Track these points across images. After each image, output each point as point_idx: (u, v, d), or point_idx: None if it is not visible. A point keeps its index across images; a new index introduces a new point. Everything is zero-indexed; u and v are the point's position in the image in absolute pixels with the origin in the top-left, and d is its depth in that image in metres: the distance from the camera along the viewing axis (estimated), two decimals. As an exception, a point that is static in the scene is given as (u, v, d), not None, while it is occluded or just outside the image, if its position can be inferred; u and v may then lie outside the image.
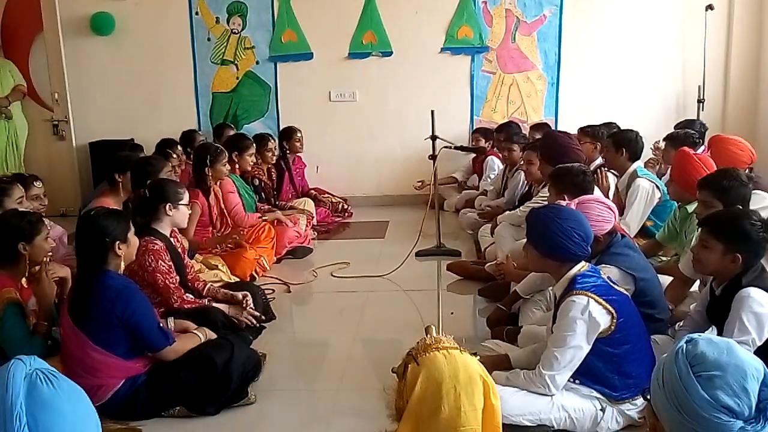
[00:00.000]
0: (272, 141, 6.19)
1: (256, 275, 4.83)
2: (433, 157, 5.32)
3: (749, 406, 1.31)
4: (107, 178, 4.54)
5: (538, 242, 2.78)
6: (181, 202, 3.67)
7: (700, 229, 2.80)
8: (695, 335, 1.41)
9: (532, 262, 2.89)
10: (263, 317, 3.93)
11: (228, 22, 7.18)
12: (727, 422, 1.30)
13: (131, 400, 2.90)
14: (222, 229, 4.92)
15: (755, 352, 2.51)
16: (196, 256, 4.42)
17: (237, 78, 7.29)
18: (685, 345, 1.39)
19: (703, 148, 4.98)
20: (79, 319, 2.82)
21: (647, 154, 5.68)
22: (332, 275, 5.02)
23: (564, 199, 3.28)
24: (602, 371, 2.67)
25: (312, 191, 6.84)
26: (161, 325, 3.01)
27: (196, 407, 2.99)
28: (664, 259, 4.05)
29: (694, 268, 2.92)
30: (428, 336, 1.90)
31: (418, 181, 6.82)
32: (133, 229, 3.01)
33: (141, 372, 2.95)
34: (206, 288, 3.83)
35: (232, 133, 6.43)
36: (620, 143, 4.63)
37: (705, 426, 1.31)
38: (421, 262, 5.22)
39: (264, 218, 5.35)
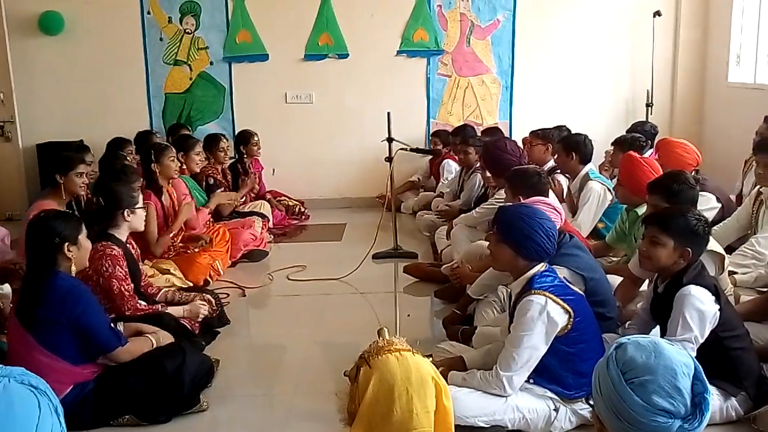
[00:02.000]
0: (224, 140, 6.11)
1: (210, 280, 4.74)
2: (389, 159, 5.33)
3: (684, 404, 1.34)
4: (49, 179, 4.42)
5: (516, 241, 2.73)
6: (136, 206, 3.60)
7: (646, 228, 2.86)
8: (623, 339, 1.44)
9: (502, 261, 2.82)
10: (216, 320, 3.89)
11: (181, 22, 7.07)
12: (665, 423, 1.33)
13: (79, 407, 2.82)
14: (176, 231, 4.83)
15: (699, 349, 2.60)
16: (146, 261, 4.33)
17: (190, 79, 7.18)
18: (614, 352, 1.42)
19: (650, 151, 5.12)
20: (26, 320, 2.76)
21: (601, 158, 5.80)
22: (288, 278, 4.99)
23: (519, 200, 3.33)
24: (557, 370, 2.71)
25: (268, 194, 6.78)
26: (112, 325, 2.94)
27: (146, 415, 2.93)
28: (614, 259, 4.13)
29: (641, 265, 2.98)
30: (380, 338, 1.90)
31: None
32: (84, 233, 2.94)
33: (89, 379, 2.88)
34: (159, 294, 3.77)
35: (186, 133, 6.33)
36: (570, 147, 4.74)
37: (645, 430, 1.34)
38: (378, 264, 5.23)
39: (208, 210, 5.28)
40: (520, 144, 6.09)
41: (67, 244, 2.81)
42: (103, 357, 2.91)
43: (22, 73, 6.94)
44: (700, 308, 2.63)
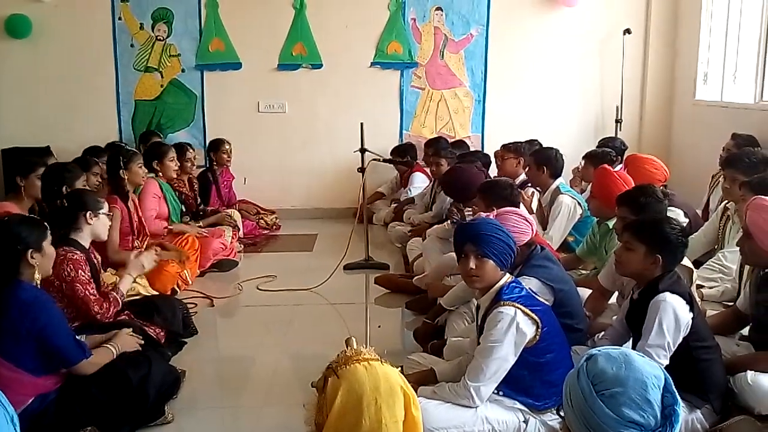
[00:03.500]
0: (191, 150, 6.05)
1: (177, 289, 4.67)
2: (362, 170, 5.32)
3: (654, 416, 1.34)
4: (13, 184, 4.34)
5: (500, 254, 2.72)
6: (101, 211, 3.52)
7: (621, 234, 2.90)
8: (594, 351, 1.44)
9: (488, 277, 2.74)
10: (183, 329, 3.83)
11: (153, 29, 7.01)
12: None
13: (39, 418, 2.74)
14: (141, 237, 4.74)
15: (672, 357, 2.62)
16: (110, 269, 4.24)
17: (161, 86, 7.12)
18: (585, 363, 1.41)
19: (620, 166, 5.18)
20: None
21: (571, 176, 5.86)
22: (258, 288, 4.93)
23: (493, 211, 3.34)
24: (526, 381, 2.70)
25: (239, 203, 6.72)
26: (77, 337, 2.86)
27: (108, 426, 2.86)
28: (584, 272, 4.16)
29: (616, 269, 3.01)
30: (349, 348, 1.87)
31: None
32: (49, 239, 2.86)
33: (51, 390, 2.81)
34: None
35: (158, 140, 6.26)
36: (541, 161, 4.78)
37: None
38: (349, 275, 5.20)
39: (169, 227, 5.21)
40: (492, 157, 6.18)
41: (30, 251, 2.73)
42: (67, 369, 2.83)
43: (-13, 78, 6.80)
44: (674, 315, 2.64)
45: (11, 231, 2.73)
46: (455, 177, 4.69)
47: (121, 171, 4.57)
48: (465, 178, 4.56)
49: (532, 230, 3.26)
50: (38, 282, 2.83)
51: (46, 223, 2.92)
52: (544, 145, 5.56)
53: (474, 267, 2.72)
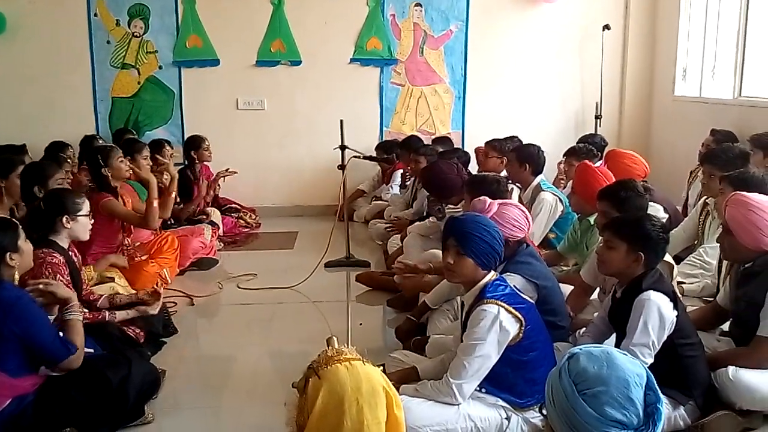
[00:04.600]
0: (168, 147, 5.94)
1: (157, 288, 4.61)
2: (342, 167, 5.29)
3: (637, 414, 1.34)
4: (24, 189, 4.14)
5: (478, 252, 2.69)
6: (80, 213, 3.45)
7: (602, 233, 2.90)
8: (575, 349, 1.43)
9: (465, 273, 2.73)
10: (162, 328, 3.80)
11: (129, 25, 6.92)
12: None
13: (17, 419, 2.70)
14: (129, 234, 4.67)
15: (656, 354, 2.62)
16: (91, 267, 4.17)
17: (139, 83, 7.03)
18: (567, 362, 1.41)
19: (600, 162, 5.20)
20: None
21: (555, 172, 5.87)
22: (239, 287, 4.90)
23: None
24: (509, 378, 2.69)
25: (221, 201, 6.66)
26: (60, 335, 2.81)
27: (88, 427, 2.82)
28: (565, 268, 4.18)
29: (598, 268, 3.01)
30: (330, 348, 1.85)
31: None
32: (23, 235, 2.82)
33: (29, 391, 2.76)
34: (101, 300, 3.63)
35: (132, 137, 6.15)
36: (523, 158, 4.76)
37: None
38: (330, 272, 5.17)
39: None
40: (473, 154, 6.18)
41: (8, 253, 2.71)
42: (56, 366, 2.80)
43: (-40, 74, 6.69)
44: (659, 313, 2.64)
45: None
46: (434, 174, 4.67)
47: (103, 169, 4.49)
48: (444, 175, 4.54)
49: (529, 227, 3.24)
50: (17, 280, 2.80)
51: (14, 220, 2.88)
52: (524, 142, 5.58)
53: (452, 262, 2.73)
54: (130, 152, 5.11)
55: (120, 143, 5.41)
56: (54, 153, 5.19)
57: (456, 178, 4.45)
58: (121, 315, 3.55)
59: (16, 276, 2.78)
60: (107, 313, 3.53)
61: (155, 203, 4.50)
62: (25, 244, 2.82)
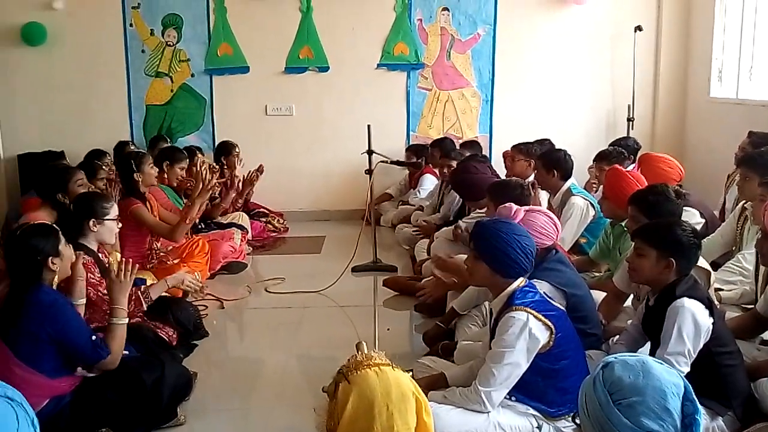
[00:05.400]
0: (200, 156, 6.05)
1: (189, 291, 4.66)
2: (369, 171, 5.29)
3: (674, 426, 1.30)
4: (47, 195, 4.17)
5: (492, 258, 2.68)
6: (107, 217, 3.49)
7: (633, 240, 2.83)
8: (610, 358, 1.39)
9: (479, 277, 2.78)
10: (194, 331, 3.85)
11: (163, 35, 7.04)
12: None
13: (55, 420, 2.76)
14: (156, 239, 4.73)
15: (693, 363, 2.55)
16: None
17: (172, 91, 7.14)
18: (601, 371, 1.37)
19: (633, 165, 5.11)
20: (5, 333, 2.71)
21: (585, 176, 5.78)
22: (267, 291, 4.92)
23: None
24: (540, 387, 2.65)
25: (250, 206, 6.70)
26: (94, 338, 2.86)
27: (123, 428, 2.87)
28: (597, 275, 4.10)
29: (630, 277, 2.95)
30: (359, 353, 1.84)
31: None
32: (63, 241, 2.89)
33: (66, 392, 2.82)
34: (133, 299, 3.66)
35: (174, 146, 6.26)
36: (550, 164, 4.64)
37: None
38: (357, 277, 5.17)
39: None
40: (501, 158, 6.13)
41: (50, 258, 2.78)
42: (93, 366, 2.87)
43: (4, 84, 6.92)
44: (694, 321, 2.56)
45: (29, 243, 2.77)
46: (466, 174, 4.63)
47: (135, 174, 4.56)
48: (477, 175, 4.50)
49: (558, 234, 3.19)
50: (56, 284, 2.87)
51: (55, 226, 2.95)
52: (553, 145, 5.51)
53: (469, 265, 2.78)
54: (170, 159, 5.21)
55: (159, 151, 5.50)
56: (91, 161, 5.26)
57: (490, 179, 4.41)
58: (158, 288, 3.65)
59: (56, 280, 2.84)
60: (143, 297, 3.54)
61: (188, 221, 4.56)
62: (66, 250, 2.90)
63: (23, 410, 1.26)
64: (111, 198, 3.95)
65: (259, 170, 6.40)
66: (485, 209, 4.27)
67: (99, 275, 3.37)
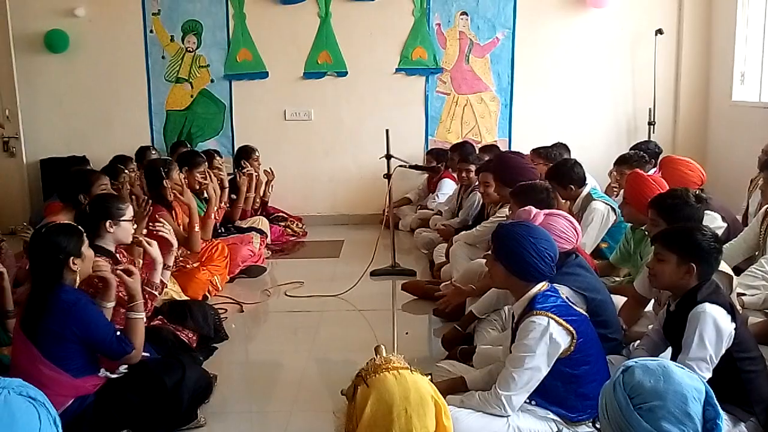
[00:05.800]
0: (218, 158, 6.12)
1: (208, 295, 4.72)
2: (388, 176, 5.30)
3: (695, 430, 1.28)
4: (69, 197, 4.19)
5: (508, 260, 2.69)
6: (123, 218, 3.51)
7: (653, 245, 2.81)
8: (630, 362, 1.38)
9: (497, 279, 2.82)
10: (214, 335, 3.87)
11: (183, 41, 7.12)
12: None
13: (78, 420, 2.79)
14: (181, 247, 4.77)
15: (715, 368, 2.52)
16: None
17: (191, 96, 7.22)
18: (622, 375, 1.36)
19: (654, 169, 5.06)
20: (31, 332, 2.75)
21: (606, 180, 5.72)
22: (286, 294, 4.94)
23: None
24: (560, 392, 2.63)
25: (268, 209, 6.74)
26: (118, 333, 2.90)
27: (144, 430, 2.89)
28: (617, 279, 4.06)
29: (650, 282, 2.92)
30: (378, 356, 1.84)
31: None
32: (86, 242, 2.92)
33: (90, 392, 2.85)
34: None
35: (193, 150, 6.32)
36: (562, 180, 4.50)
37: None
38: (375, 281, 5.18)
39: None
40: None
41: (72, 258, 2.81)
42: (118, 361, 2.91)
43: (27, 90, 7.03)
44: (715, 326, 2.53)
45: (52, 241, 2.80)
46: (506, 156, 4.62)
47: (164, 182, 4.60)
48: (516, 159, 4.54)
49: (578, 239, 3.18)
50: (77, 284, 2.89)
51: (79, 227, 2.97)
52: (570, 152, 5.47)
53: (489, 267, 2.84)
54: (189, 164, 5.24)
55: (178, 156, 5.55)
56: (115, 165, 5.32)
57: (528, 169, 4.41)
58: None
59: (77, 280, 2.86)
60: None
61: (197, 227, 4.60)
62: (88, 251, 2.91)
63: (45, 409, 1.29)
64: (126, 199, 3.99)
65: (269, 173, 6.45)
66: (505, 213, 4.26)
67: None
